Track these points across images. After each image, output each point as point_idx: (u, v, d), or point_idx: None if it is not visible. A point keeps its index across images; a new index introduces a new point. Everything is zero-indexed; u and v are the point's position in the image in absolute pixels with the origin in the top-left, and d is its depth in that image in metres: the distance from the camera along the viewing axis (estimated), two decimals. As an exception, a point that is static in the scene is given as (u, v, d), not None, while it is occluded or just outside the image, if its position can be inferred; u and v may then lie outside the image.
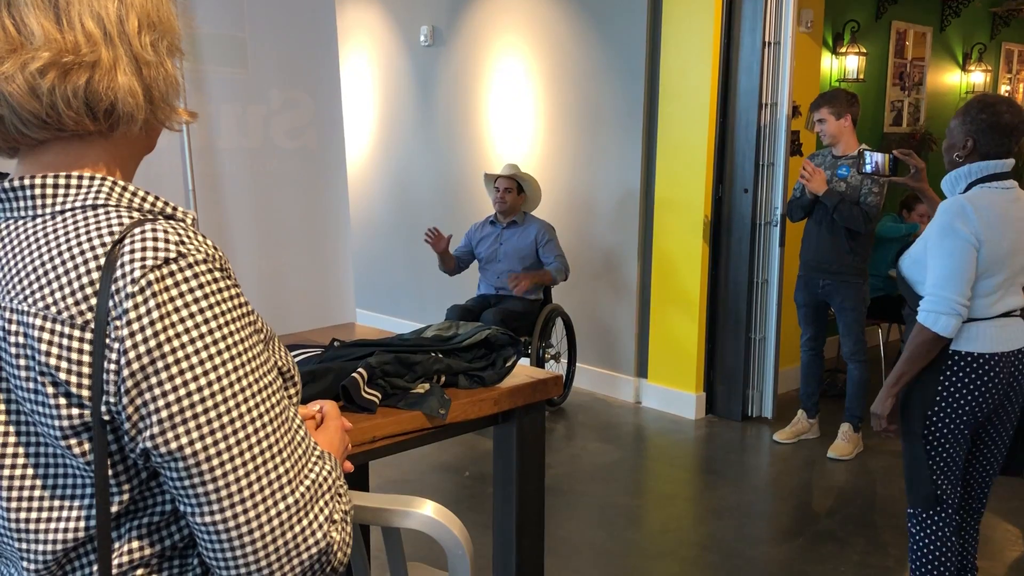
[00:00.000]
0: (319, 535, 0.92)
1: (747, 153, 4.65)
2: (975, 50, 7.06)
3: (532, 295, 4.88)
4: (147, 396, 0.84)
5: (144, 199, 0.92)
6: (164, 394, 0.84)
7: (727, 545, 3.42)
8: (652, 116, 4.91)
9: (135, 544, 0.91)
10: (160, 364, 0.84)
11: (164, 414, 0.85)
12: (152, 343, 0.84)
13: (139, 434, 0.85)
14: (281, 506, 0.89)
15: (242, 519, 0.87)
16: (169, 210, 0.94)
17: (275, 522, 0.89)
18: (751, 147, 4.63)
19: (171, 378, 0.84)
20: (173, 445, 0.85)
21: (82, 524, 0.90)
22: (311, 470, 0.93)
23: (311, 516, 0.91)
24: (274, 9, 2.62)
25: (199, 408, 0.85)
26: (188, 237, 0.88)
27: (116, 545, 0.91)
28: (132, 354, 0.84)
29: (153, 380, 0.84)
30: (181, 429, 0.85)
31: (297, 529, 0.90)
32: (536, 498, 2.09)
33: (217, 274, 0.88)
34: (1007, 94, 7.68)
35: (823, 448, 4.38)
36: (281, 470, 0.89)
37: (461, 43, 5.92)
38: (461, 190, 6.03)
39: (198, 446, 0.85)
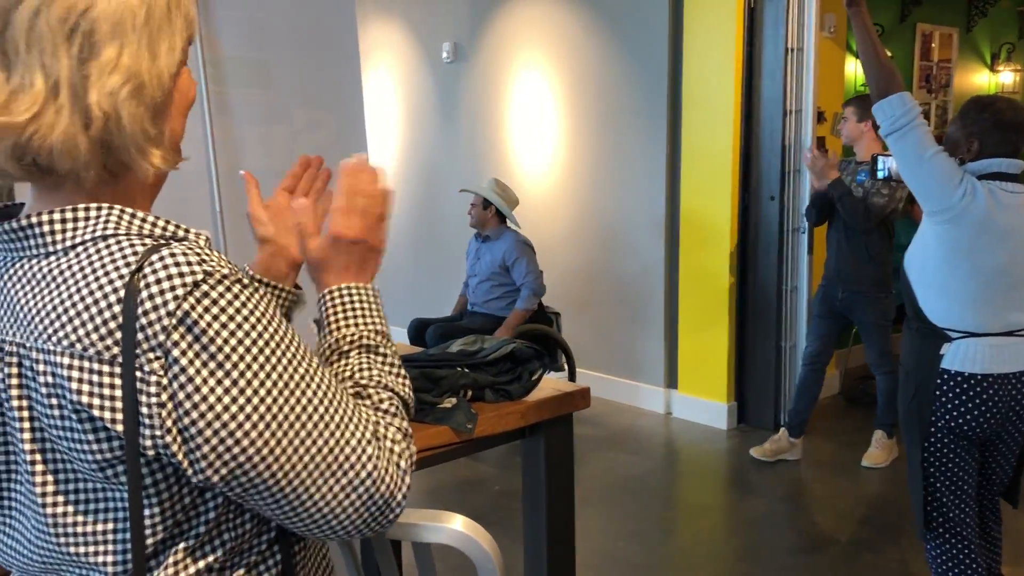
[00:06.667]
0: (382, 487, 0.94)
1: (772, 160, 4.63)
2: (1003, 50, 6.98)
3: (505, 312, 4.80)
4: (201, 425, 0.84)
5: (154, 224, 0.91)
6: (219, 428, 0.84)
7: (761, 555, 3.39)
8: (676, 126, 4.90)
9: (171, 571, 0.92)
10: (220, 390, 0.84)
11: (220, 448, 0.85)
12: (205, 372, 0.83)
13: (201, 460, 0.85)
14: (347, 484, 0.91)
15: (312, 508, 0.91)
16: (181, 233, 0.92)
17: (340, 495, 0.91)
18: (776, 154, 4.60)
19: (231, 401, 0.84)
20: (240, 475, 0.87)
21: (128, 557, 0.91)
22: (362, 449, 0.94)
23: (365, 470, 0.93)
24: (296, 30, 2.65)
25: (261, 426, 0.86)
26: (206, 255, 0.87)
27: (156, 573, 0.92)
28: (183, 392, 0.83)
29: (211, 411, 0.84)
30: (243, 459, 0.86)
31: (359, 486, 0.92)
32: (566, 511, 2.08)
33: (246, 280, 0.88)
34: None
35: (850, 458, 4.31)
36: (342, 457, 0.91)
37: (483, 58, 5.95)
38: (486, 204, 6.05)
39: (270, 461, 0.87)
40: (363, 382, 1.05)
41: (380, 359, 1.08)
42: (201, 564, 0.93)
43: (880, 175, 3.37)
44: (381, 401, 1.03)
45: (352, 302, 1.11)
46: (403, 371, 1.10)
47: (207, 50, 2.48)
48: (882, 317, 4.11)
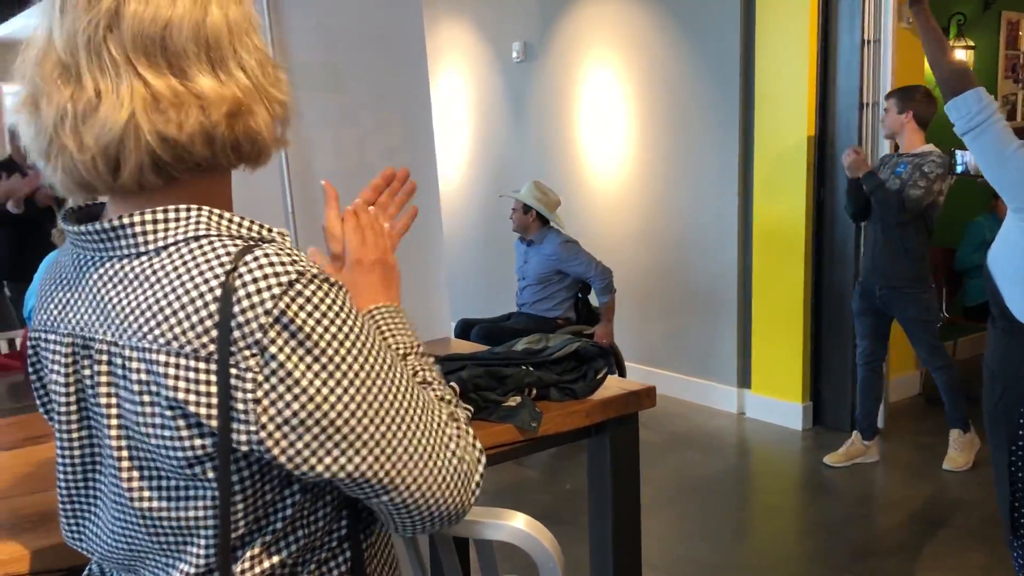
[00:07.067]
0: (464, 464, 1.00)
1: (848, 155, 4.52)
2: (1096, 37, 6.68)
3: (552, 313, 4.78)
4: (303, 416, 0.87)
5: (241, 224, 0.94)
6: (320, 418, 0.88)
7: (835, 558, 3.32)
8: (748, 122, 4.83)
9: (247, 564, 0.95)
10: (318, 382, 0.87)
11: (323, 437, 0.89)
12: (303, 366, 0.87)
13: (305, 450, 0.89)
14: (436, 476, 0.98)
15: (409, 500, 0.96)
16: (267, 233, 0.95)
17: (436, 472, 0.97)
18: (852, 149, 4.50)
19: (329, 392, 0.88)
20: (345, 463, 0.91)
21: (212, 551, 0.94)
22: (444, 433, 1.00)
23: (453, 466, 0.99)
24: (364, 33, 2.69)
25: (359, 414, 0.90)
26: (296, 255, 0.90)
27: (235, 567, 0.95)
28: (284, 386, 0.86)
29: (312, 402, 0.87)
30: (345, 445, 0.90)
31: (447, 480, 0.98)
32: (632, 510, 2.07)
33: (332, 279, 0.91)
34: None
35: (930, 460, 4.18)
36: (433, 438, 0.97)
37: (553, 58, 5.95)
38: (556, 203, 6.04)
39: (371, 445, 0.91)
40: (419, 378, 1.11)
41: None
42: (275, 559, 0.96)
43: (959, 170, 3.29)
44: (445, 392, 1.09)
45: (385, 320, 1.18)
46: (443, 379, 1.15)
47: (278, 55, 2.54)
48: (924, 312, 3.99)
